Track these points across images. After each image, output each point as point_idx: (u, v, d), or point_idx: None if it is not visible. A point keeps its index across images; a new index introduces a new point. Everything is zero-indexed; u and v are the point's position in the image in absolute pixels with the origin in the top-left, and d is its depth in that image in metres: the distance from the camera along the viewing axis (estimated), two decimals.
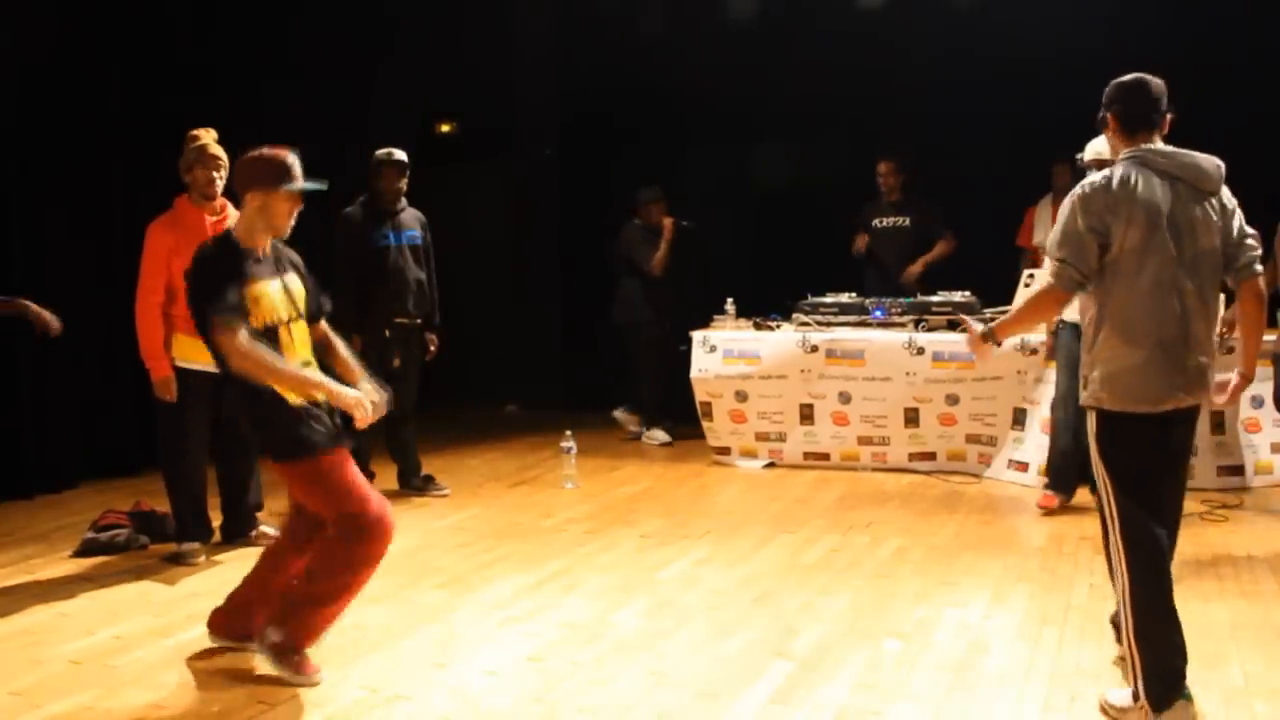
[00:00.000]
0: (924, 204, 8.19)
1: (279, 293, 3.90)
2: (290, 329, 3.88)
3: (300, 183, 3.91)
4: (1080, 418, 6.14)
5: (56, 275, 7.10)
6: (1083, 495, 6.11)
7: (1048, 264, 3.53)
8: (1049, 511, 6.09)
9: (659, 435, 8.36)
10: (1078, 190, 3.46)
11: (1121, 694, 3.48)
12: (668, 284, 8.25)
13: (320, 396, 3.76)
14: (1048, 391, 6.64)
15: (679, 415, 8.27)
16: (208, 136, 5.36)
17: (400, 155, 6.47)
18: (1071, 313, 6.01)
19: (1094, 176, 3.47)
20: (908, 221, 8.20)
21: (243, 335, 3.65)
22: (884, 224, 8.26)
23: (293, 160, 3.91)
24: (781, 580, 4.98)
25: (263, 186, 3.87)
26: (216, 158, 5.33)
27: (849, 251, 8.34)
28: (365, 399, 3.79)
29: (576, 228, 9.81)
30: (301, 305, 3.98)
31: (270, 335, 3.78)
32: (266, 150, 3.91)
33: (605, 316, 8.44)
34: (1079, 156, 5.95)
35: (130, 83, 7.50)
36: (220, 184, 5.36)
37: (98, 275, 7.31)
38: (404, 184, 6.49)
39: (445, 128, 10.50)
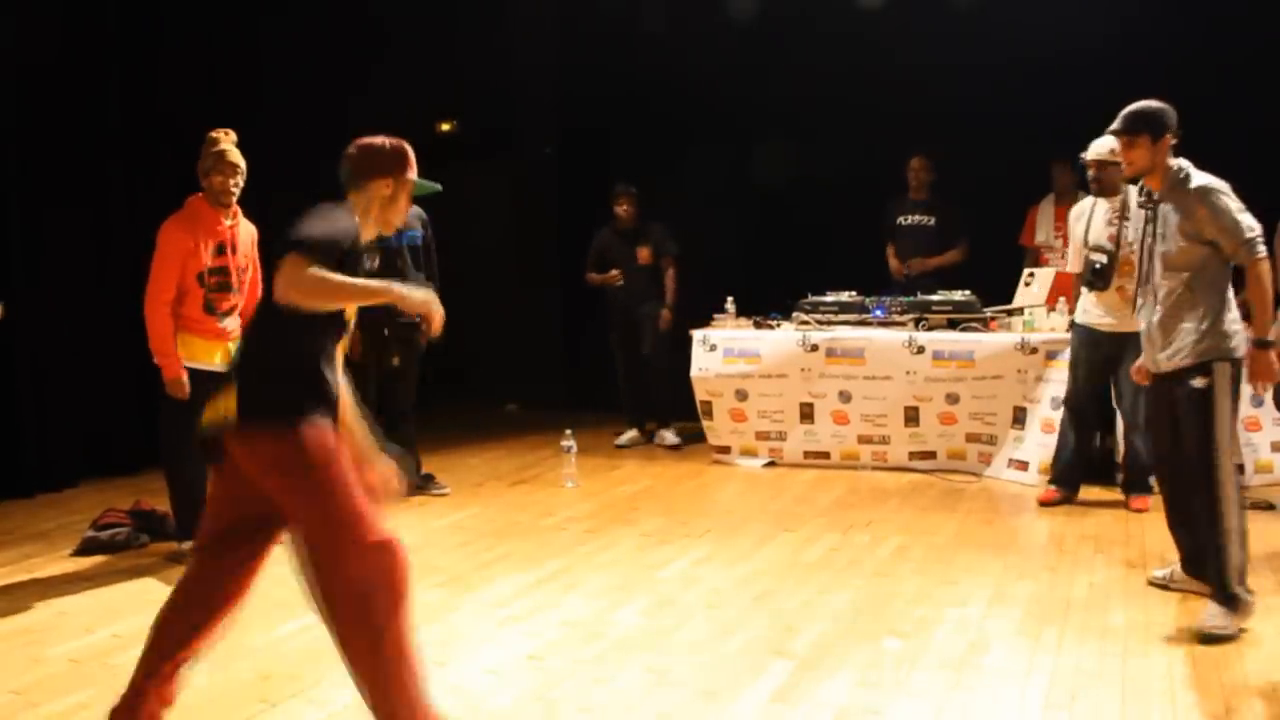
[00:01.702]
0: (950, 205, 8.17)
1: None
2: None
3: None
4: (1088, 417, 6.20)
5: (56, 275, 7.10)
6: (1088, 494, 6.17)
7: (1252, 247, 4.12)
8: (1049, 504, 6.22)
9: (624, 436, 8.32)
10: (1218, 184, 4.20)
11: (1213, 613, 4.15)
12: (629, 286, 8.15)
13: (388, 299, 3.19)
14: (1048, 390, 6.65)
15: (677, 414, 8.28)
16: (227, 140, 5.33)
17: None
18: (1081, 315, 6.06)
19: (1208, 176, 4.23)
20: (933, 220, 8.18)
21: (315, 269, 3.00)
22: (908, 221, 8.24)
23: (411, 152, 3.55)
24: (782, 579, 4.98)
25: (393, 174, 3.45)
26: (235, 165, 5.32)
27: (852, 250, 8.34)
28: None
29: (576, 227, 9.79)
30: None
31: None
32: (386, 139, 3.50)
33: (604, 316, 8.40)
34: (1082, 156, 6.04)
35: (130, 83, 7.49)
36: (236, 192, 5.37)
37: (98, 275, 7.31)
38: None
39: (445, 127, 10.49)
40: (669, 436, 8.23)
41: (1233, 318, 4.25)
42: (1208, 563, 4.25)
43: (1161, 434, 4.52)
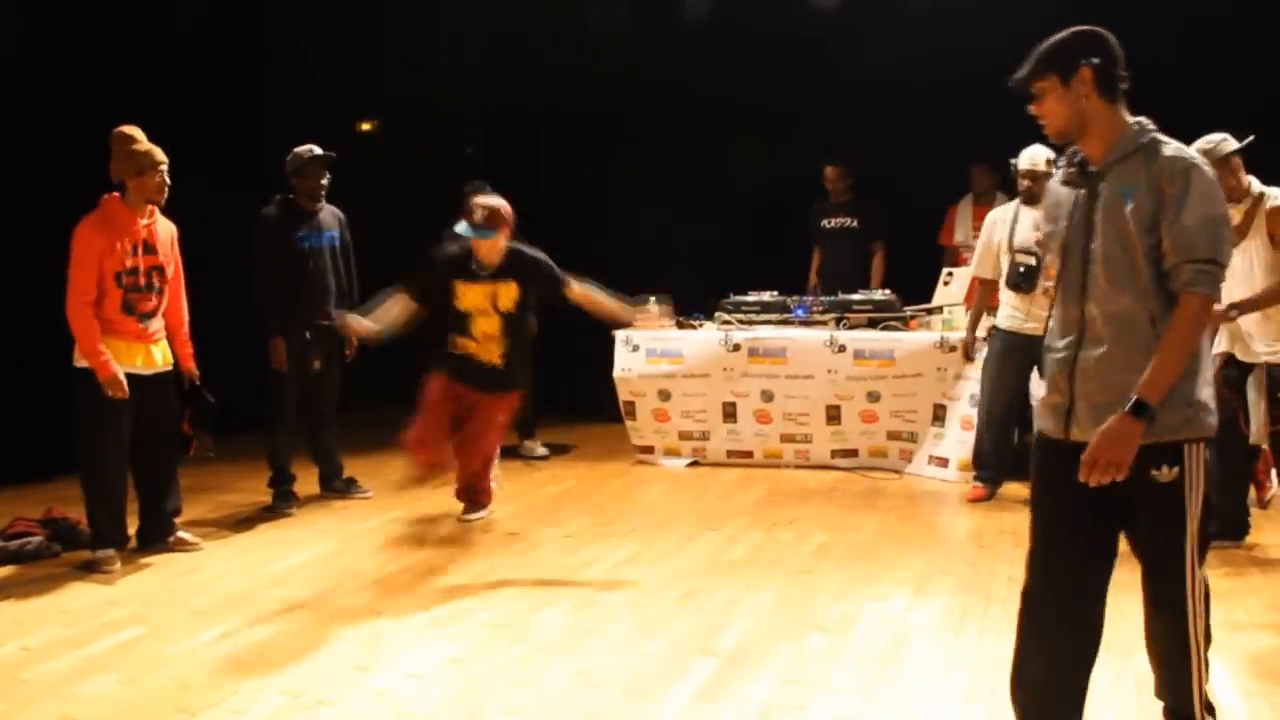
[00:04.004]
0: (870, 205, 8.24)
1: None
2: (482, 316, 5.74)
3: (466, 230, 5.54)
4: (1007, 422, 6.28)
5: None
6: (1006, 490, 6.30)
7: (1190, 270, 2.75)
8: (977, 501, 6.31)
9: None
10: (1208, 168, 2.81)
11: None
12: None
13: None
14: (967, 388, 6.74)
15: (602, 414, 8.27)
16: (143, 136, 5.24)
17: (323, 151, 6.35)
18: (1005, 320, 6.13)
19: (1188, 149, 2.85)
20: (855, 222, 8.25)
21: None
22: (832, 224, 8.32)
23: (472, 209, 5.54)
24: (706, 577, 4.99)
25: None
26: (164, 161, 5.25)
27: (776, 251, 8.39)
28: None
29: None
30: None
31: (462, 317, 5.76)
32: (478, 199, 5.65)
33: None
34: (1013, 161, 6.06)
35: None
36: (168, 184, 5.30)
37: (4, 275, 7.12)
38: (327, 180, 6.37)
39: (365, 126, 10.39)
40: (537, 448, 7.98)
41: (1208, 377, 2.89)
42: (1165, 687, 3.08)
43: (1073, 541, 2.94)
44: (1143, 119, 2.88)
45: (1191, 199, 2.73)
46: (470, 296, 5.61)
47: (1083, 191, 2.91)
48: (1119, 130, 2.86)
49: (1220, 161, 4.81)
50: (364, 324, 5.74)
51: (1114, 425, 2.73)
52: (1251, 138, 4.90)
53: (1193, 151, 2.83)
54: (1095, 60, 2.83)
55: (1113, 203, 2.83)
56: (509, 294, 5.65)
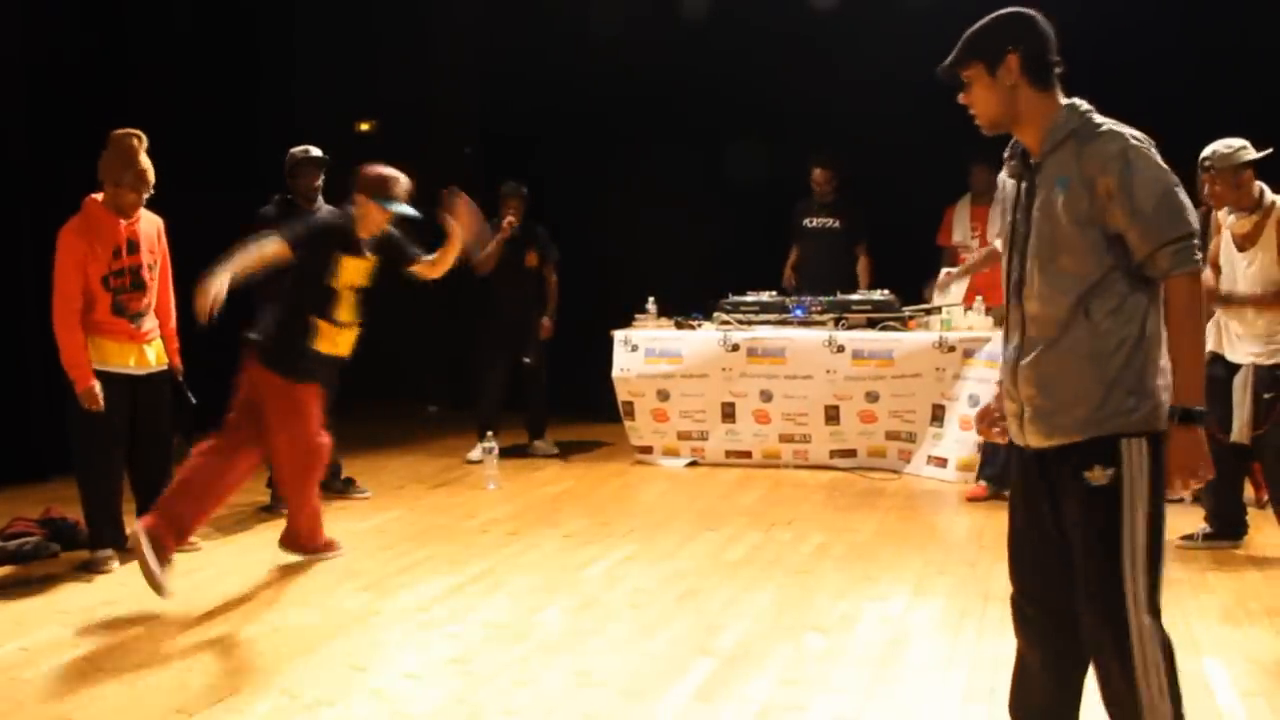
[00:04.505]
0: (854, 207, 8.24)
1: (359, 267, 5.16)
2: (350, 293, 5.16)
3: (395, 205, 5.14)
4: None
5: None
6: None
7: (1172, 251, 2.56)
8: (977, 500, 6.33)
9: (478, 449, 7.42)
10: (1140, 138, 2.62)
11: None
12: (518, 291, 7.96)
13: None
14: (966, 388, 6.75)
15: (601, 414, 8.28)
16: (143, 149, 5.23)
17: (317, 152, 6.37)
18: None
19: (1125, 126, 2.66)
20: (837, 223, 8.25)
21: None
22: (814, 224, 8.32)
23: (394, 181, 5.18)
24: (705, 578, 4.99)
25: (366, 194, 5.15)
26: (151, 183, 5.25)
27: (775, 251, 8.39)
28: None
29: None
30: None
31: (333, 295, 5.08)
32: (385, 169, 5.20)
33: (489, 318, 8.27)
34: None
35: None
36: (144, 203, 5.30)
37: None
38: (321, 182, 6.39)
39: (364, 126, 10.39)
40: (549, 447, 8.05)
41: (1163, 366, 2.63)
42: None
43: (1045, 542, 2.79)
44: (1075, 100, 2.71)
45: (1138, 182, 2.54)
46: (349, 273, 5.14)
47: (1024, 185, 2.75)
48: (1051, 118, 2.69)
49: (1233, 170, 4.81)
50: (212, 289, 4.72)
51: (1175, 443, 2.58)
52: (1270, 150, 4.88)
53: (1126, 128, 2.63)
54: (1022, 46, 2.67)
55: (1047, 196, 2.66)
56: (371, 268, 5.27)
